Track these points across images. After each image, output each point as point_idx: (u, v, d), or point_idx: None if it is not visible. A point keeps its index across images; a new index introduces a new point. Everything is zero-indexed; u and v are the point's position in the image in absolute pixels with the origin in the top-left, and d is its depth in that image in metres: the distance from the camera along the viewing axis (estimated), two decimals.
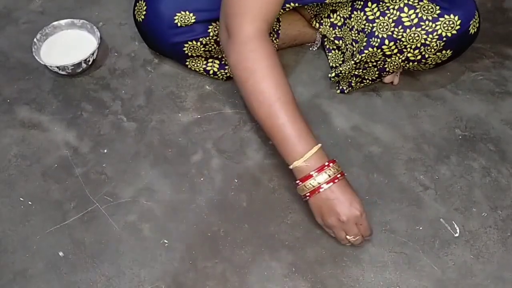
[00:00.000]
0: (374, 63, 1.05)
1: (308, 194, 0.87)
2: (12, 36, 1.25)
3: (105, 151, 1.05)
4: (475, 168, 1.05)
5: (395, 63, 1.03)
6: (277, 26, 1.13)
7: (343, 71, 1.08)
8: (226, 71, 1.14)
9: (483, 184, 1.03)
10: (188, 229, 0.95)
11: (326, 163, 0.86)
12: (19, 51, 1.21)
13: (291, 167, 0.88)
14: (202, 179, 1.01)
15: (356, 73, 1.08)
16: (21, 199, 0.98)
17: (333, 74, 1.10)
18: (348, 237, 0.88)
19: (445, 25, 0.95)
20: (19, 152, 1.04)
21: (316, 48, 1.23)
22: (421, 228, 0.97)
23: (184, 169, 1.03)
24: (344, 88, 1.14)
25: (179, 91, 1.15)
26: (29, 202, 0.97)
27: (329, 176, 0.85)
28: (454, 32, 0.95)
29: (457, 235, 0.96)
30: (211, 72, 1.14)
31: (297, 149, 0.86)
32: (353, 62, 1.04)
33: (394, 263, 0.92)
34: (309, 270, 0.91)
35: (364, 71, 1.08)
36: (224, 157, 1.05)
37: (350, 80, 1.12)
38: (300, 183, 0.87)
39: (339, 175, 0.86)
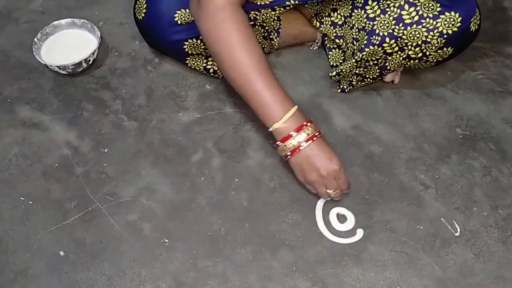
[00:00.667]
0: (375, 62, 1.04)
1: (289, 153, 0.91)
2: (13, 35, 1.25)
3: (106, 150, 1.05)
4: (475, 167, 1.05)
5: (396, 61, 1.03)
6: (278, 24, 1.13)
7: (344, 70, 1.08)
8: None
9: (484, 183, 1.03)
10: (189, 229, 0.95)
11: (304, 123, 0.90)
12: (19, 51, 1.21)
13: (270, 129, 0.91)
14: (202, 178, 1.01)
15: (357, 71, 1.08)
16: (21, 198, 0.98)
17: (334, 73, 1.10)
18: (328, 191, 0.93)
19: (446, 22, 0.95)
20: (19, 151, 1.04)
21: (316, 47, 1.23)
22: (421, 227, 0.97)
23: (184, 169, 1.03)
24: (345, 87, 1.14)
25: (180, 91, 1.15)
26: (30, 202, 0.97)
27: (308, 134, 0.89)
28: (455, 29, 0.95)
29: (457, 234, 0.96)
30: (211, 70, 1.14)
31: (275, 112, 0.89)
32: (354, 60, 1.04)
33: (395, 262, 0.92)
34: (309, 269, 0.91)
35: (365, 69, 1.08)
36: (224, 156, 1.05)
37: (351, 79, 1.12)
38: (281, 143, 0.91)
39: (317, 133, 0.91)
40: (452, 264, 0.93)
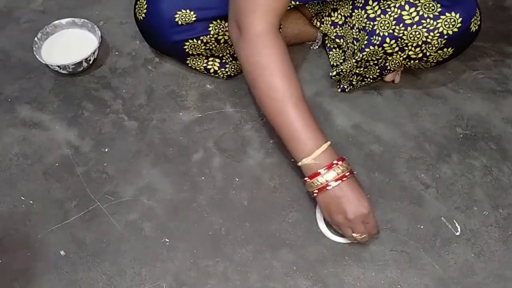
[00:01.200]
0: (375, 62, 1.04)
1: (317, 191, 0.87)
2: (13, 35, 1.25)
3: (106, 150, 1.05)
4: (476, 167, 1.05)
5: (396, 61, 1.03)
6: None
7: (344, 70, 1.07)
8: (226, 69, 1.14)
9: (484, 183, 1.03)
10: (189, 228, 0.95)
11: (335, 161, 0.86)
12: (20, 50, 1.21)
13: (299, 164, 0.88)
14: (203, 178, 1.01)
15: (357, 71, 1.08)
16: (22, 198, 0.98)
17: (334, 73, 1.10)
18: (354, 235, 0.89)
19: (446, 23, 0.95)
20: (20, 151, 1.04)
21: (317, 46, 1.23)
22: (422, 226, 0.97)
23: (185, 168, 1.03)
24: (345, 87, 1.14)
25: (180, 90, 1.15)
26: (31, 201, 0.97)
27: (338, 174, 0.85)
28: (456, 30, 0.95)
29: (458, 233, 0.96)
30: (211, 70, 1.14)
31: (306, 147, 0.86)
32: (354, 60, 1.04)
33: (395, 261, 0.92)
34: (310, 269, 0.91)
35: (365, 69, 1.08)
36: (225, 156, 1.05)
37: (351, 78, 1.12)
38: (309, 180, 0.88)
39: (347, 173, 0.87)
40: (453, 263, 0.93)
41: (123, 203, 0.98)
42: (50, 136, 1.06)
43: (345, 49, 1.13)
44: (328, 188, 0.86)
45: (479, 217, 0.98)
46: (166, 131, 1.08)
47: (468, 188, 1.02)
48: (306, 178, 0.88)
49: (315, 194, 0.89)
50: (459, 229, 0.97)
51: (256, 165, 1.03)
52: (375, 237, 0.93)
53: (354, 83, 1.12)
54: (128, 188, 0.99)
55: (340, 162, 0.86)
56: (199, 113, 1.11)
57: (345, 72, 1.08)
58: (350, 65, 1.06)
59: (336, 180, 0.85)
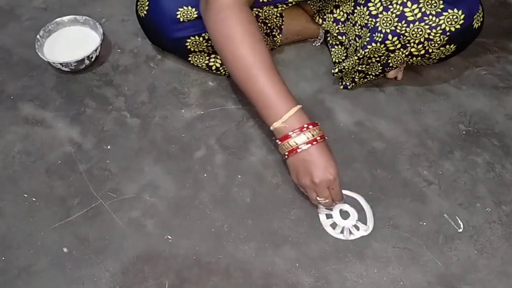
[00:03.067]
0: (378, 59, 1.04)
1: (287, 153, 0.90)
2: (15, 32, 1.25)
3: (109, 147, 1.05)
4: (479, 163, 1.05)
5: (399, 58, 1.02)
6: (280, 21, 1.13)
7: (346, 67, 1.07)
8: None
9: (487, 179, 1.03)
10: (192, 225, 0.95)
11: (306, 125, 0.88)
12: (22, 48, 1.21)
13: (271, 128, 0.90)
14: (205, 175, 1.01)
15: (359, 68, 1.08)
16: (25, 195, 0.98)
17: (336, 70, 1.10)
18: (318, 198, 0.92)
19: (448, 19, 0.94)
20: (23, 148, 1.04)
21: (319, 43, 1.23)
22: (424, 223, 0.97)
23: (187, 165, 1.03)
24: (348, 83, 1.14)
25: (182, 87, 1.15)
26: (33, 199, 0.98)
27: (308, 138, 0.88)
28: (458, 26, 0.95)
29: (461, 230, 0.96)
30: (213, 67, 1.13)
31: (276, 111, 0.88)
32: (356, 57, 1.04)
33: (398, 258, 0.92)
34: (312, 266, 0.91)
35: (367, 66, 1.07)
36: (227, 153, 1.05)
37: (353, 75, 1.11)
38: (279, 142, 0.90)
39: (318, 138, 0.89)
40: (455, 260, 0.92)
41: (126, 200, 0.98)
42: (52, 134, 1.07)
43: (347, 46, 1.12)
44: (298, 151, 0.88)
45: (481, 214, 0.98)
46: (168, 128, 1.08)
47: (471, 185, 1.02)
48: (277, 140, 0.91)
49: (286, 157, 0.91)
50: (461, 226, 0.96)
51: (258, 162, 1.03)
52: (339, 203, 0.96)
53: (356, 80, 1.12)
54: (131, 185, 1.00)
55: (310, 126, 0.88)
56: (201, 110, 1.11)
57: (347, 69, 1.08)
58: (352, 62, 1.06)
59: (306, 143, 0.88)
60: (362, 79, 1.12)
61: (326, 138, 0.91)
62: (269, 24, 1.13)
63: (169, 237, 0.94)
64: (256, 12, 1.06)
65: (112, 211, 0.96)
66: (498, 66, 1.22)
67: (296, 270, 0.91)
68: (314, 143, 0.88)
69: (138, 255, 0.91)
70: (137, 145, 1.05)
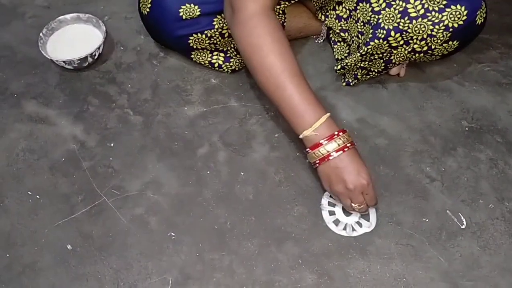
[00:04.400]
0: (380, 55, 1.04)
1: (318, 161, 0.89)
2: (19, 30, 1.25)
3: (112, 144, 1.05)
4: (482, 160, 1.05)
5: (401, 55, 1.02)
6: (283, 18, 1.13)
7: (349, 64, 1.07)
8: (231, 63, 1.14)
9: (490, 176, 1.03)
10: (195, 222, 0.95)
11: (336, 132, 0.88)
12: (25, 46, 1.21)
13: (300, 136, 0.90)
14: (208, 172, 1.02)
15: (362, 65, 1.08)
16: (29, 193, 0.98)
17: (339, 67, 1.10)
18: (353, 205, 0.91)
19: (451, 15, 0.94)
20: (26, 146, 1.05)
21: (321, 40, 1.22)
22: (427, 220, 0.97)
23: (190, 162, 1.03)
24: (350, 80, 1.14)
25: (185, 85, 1.15)
26: (37, 196, 0.98)
27: (339, 145, 0.87)
28: (461, 22, 0.95)
29: (463, 226, 0.96)
30: (216, 65, 1.14)
31: (306, 119, 0.88)
32: (359, 54, 1.04)
33: (401, 255, 0.92)
34: (315, 262, 0.91)
35: (370, 63, 1.07)
36: (230, 150, 1.05)
37: (356, 72, 1.11)
38: (310, 151, 0.89)
39: (348, 144, 0.88)
40: (458, 256, 0.93)
41: (129, 198, 0.98)
42: (56, 131, 1.07)
43: (350, 43, 1.12)
44: (329, 158, 0.88)
45: (484, 210, 0.98)
46: (171, 126, 1.08)
47: (474, 181, 1.02)
48: (307, 149, 0.90)
49: (316, 165, 0.91)
50: (464, 222, 0.96)
51: (261, 159, 1.04)
52: (374, 207, 0.95)
53: (359, 76, 1.12)
54: (134, 183, 1.00)
55: (341, 133, 0.88)
56: (204, 107, 1.11)
57: (350, 66, 1.08)
58: (354, 59, 1.06)
59: (337, 150, 0.87)
60: (364, 76, 1.12)
61: (355, 144, 0.91)
62: None
63: (172, 234, 0.94)
64: None
65: (115, 208, 0.97)
66: (501, 63, 1.22)
67: (299, 267, 0.91)
68: (346, 149, 0.88)
69: (142, 252, 0.92)
70: (140, 142, 1.06)
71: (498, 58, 1.22)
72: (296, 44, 1.22)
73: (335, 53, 1.18)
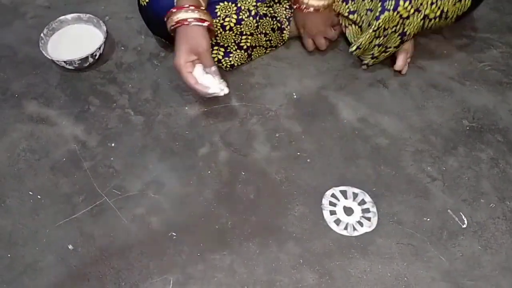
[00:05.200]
0: (393, 29, 1.03)
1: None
2: (19, 31, 1.26)
3: (113, 144, 1.05)
4: (483, 159, 1.05)
5: (415, 24, 1.01)
6: (289, 13, 1.13)
7: (363, 43, 1.07)
8: (230, 59, 1.13)
9: (491, 175, 1.03)
10: (196, 222, 0.95)
11: None
12: (26, 46, 1.21)
13: None
14: (209, 172, 1.02)
15: (377, 42, 1.07)
16: (30, 193, 0.99)
17: (354, 47, 1.09)
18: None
19: None
20: (27, 146, 1.05)
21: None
22: (428, 219, 0.97)
23: (191, 162, 1.03)
24: (368, 61, 1.14)
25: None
26: (38, 196, 0.98)
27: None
28: None
29: (465, 226, 0.96)
30: (215, 59, 1.12)
31: None
32: (371, 30, 1.03)
33: (402, 254, 0.92)
34: (316, 262, 0.91)
35: (384, 38, 1.06)
36: (231, 150, 1.05)
37: (372, 51, 1.10)
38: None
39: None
40: (459, 256, 0.92)
41: (130, 198, 0.98)
42: (57, 131, 1.07)
43: (360, 24, 1.12)
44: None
45: (485, 210, 0.98)
46: (172, 126, 1.08)
47: (475, 181, 1.02)
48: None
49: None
50: (465, 222, 0.96)
51: (262, 159, 1.04)
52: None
53: (376, 54, 1.11)
54: (135, 183, 1.00)
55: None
56: (204, 107, 1.11)
57: (364, 45, 1.08)
58: (368, 36, 1.05)
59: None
60: (382, 54, 1.11)
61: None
62: (278, 18, 1.13)
63: (173, 233, 0.94)
64: (266, 9, 1.08)
65: (116, 208, 0.97)
66: (502, 62, 1.21)
67: (300, 267, 0.91)
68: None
69: (143, 252, 0.92)
70: (141, 142, 1.06)
71: (499, 57, 1.22)
72: (297, 44, 1.22)
73: (348, 36, 1.17)
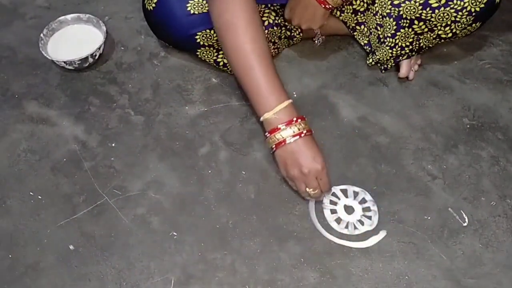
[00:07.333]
0: (409, 46, 1.08)
1: (274, 146, 0.91)
2: (19, 31, 1.26)
3: (113, 144, 1.05)
4: (483, 157, 1.05)
5: (429, 38, 1.06)
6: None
7: (381, 59, 1.12)
8: None
9: (492, 173, 1.02)
10: (197, 221, 0.95)
11: (295, 119, 0.90)
12: (26, 46, 1.21)
13: (261, 119, 0.92)
14: (210, 171, 1.02)
15: (394, 53, 1.11)
16: (31, 193, 0.99)
17: (371, 61, 1.14)
18: (308, 189, 0.93)
19: (473, 0, 0.97)
20: (28, 146, 1.05)
21: (319, 43, 1.21)
22: (429, 217, 0.97)
23: (191, 162, 1.03)
24: (387, 65, 1.16)
25: (186, 84, 1.15)
26: (39, 196, 0.98)
27: (294, 131, 0.90)
28: (482, 5, 0.98)
29: (465, 224, 0.96)
30: (221, 63, 1.13)
31: (268, 102, 0.90)
32: (388, 48, 1.09)
33: (403, 253, 0.92)
34: (317, 261, 0.91)
35: (401, 51, 1.11)
36: (231, 149, 1.05)
37: (389, 61, 1.15)
38: (269, 134, 0.91)
39: (305, 131, 0.91)
40: (460, 254, 0.92)
41: (131, 197, 0.98)
42: (57, 132, 1.07)
43: (367, 35, 1.15)
44: (286, 143, 0.90)
45: (486, 208, 0.98)
46: (172, 125, 1.08)
47: (476, 179, 1.02)
48: (266, 133, 0.92)
49: (273, 149, 0.92)
50: (466, 220, 0.96)
51: (262, 158, 1.04)
52: (326, 193, 0.97)
53: (394, 53, 1.13)
54: (136, 183, 1.00)
55: (299, 120, 0.90)
56: (205, 107, 1.11)
57: (383, 60, 1.13)
58: (385, 52, 1.10)
59: (294, 136, 0.89)
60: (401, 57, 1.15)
61: (312, 132, 0.93)
62: (288, 26, 1.13)
63: (174, 233, 0.94)
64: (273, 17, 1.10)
65: (117, 208, 0.97)
66: (502, 60, 1.21)
67: (301, 265, 0.91)
68: (302, 135, 0.90)
69: (144, 252, 0.92)
70: (142, 142, 1.06)
71: (499, 55, 1.22)
72: (297, 43, 1.22)
73: (357, 39, 1.18)
